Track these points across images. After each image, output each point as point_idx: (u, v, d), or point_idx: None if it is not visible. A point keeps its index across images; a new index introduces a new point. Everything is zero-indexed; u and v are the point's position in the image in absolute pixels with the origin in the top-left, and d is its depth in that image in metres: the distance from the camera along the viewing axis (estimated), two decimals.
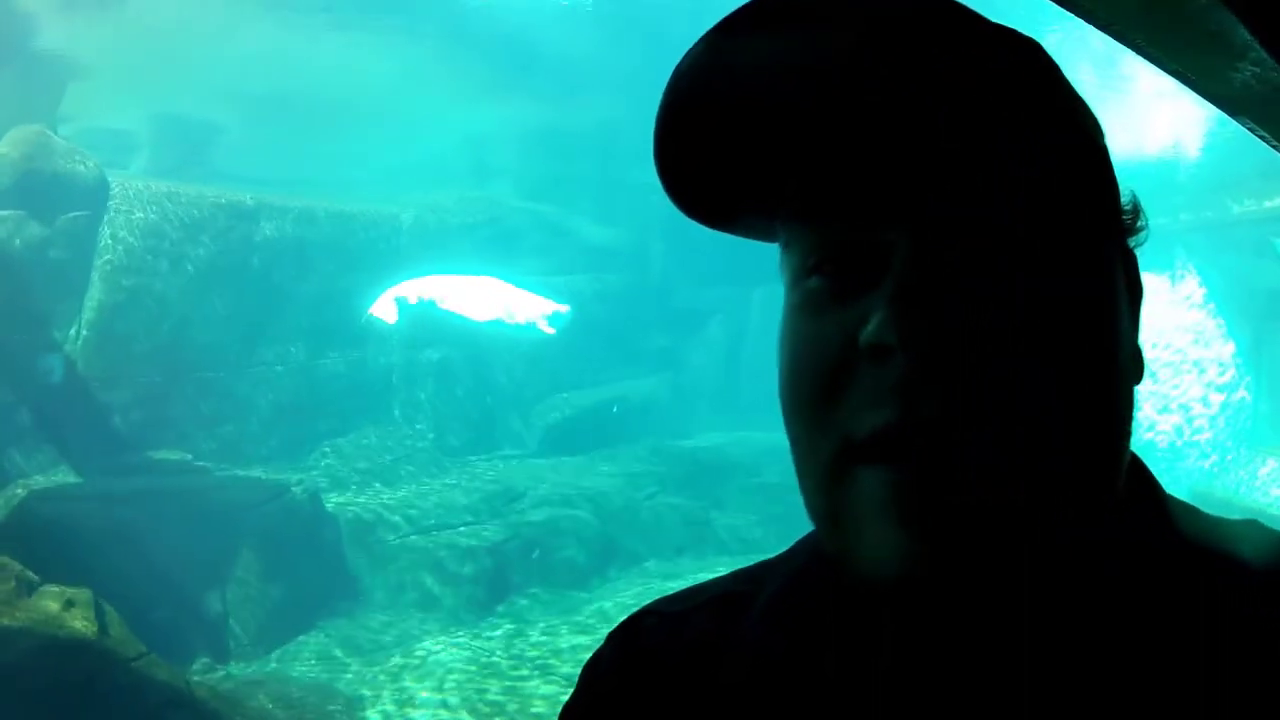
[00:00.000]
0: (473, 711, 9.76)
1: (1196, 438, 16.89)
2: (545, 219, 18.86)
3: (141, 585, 9.99)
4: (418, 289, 15.91)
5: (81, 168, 13.55)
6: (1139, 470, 0.87)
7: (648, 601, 1.05)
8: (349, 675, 10.60)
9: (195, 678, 9.48)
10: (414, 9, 15.97)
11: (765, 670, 0.89)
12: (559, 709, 1.02)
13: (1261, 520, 0.90)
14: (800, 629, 0.89)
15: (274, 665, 10.88)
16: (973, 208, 0.74)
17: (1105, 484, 0.77)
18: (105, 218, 13.66)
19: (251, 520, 11.74)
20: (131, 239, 13.76)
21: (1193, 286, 16.93)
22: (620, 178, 17.21)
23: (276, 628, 11.37)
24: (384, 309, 15.75)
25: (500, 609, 12.56)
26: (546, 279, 17.19)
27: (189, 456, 13.41)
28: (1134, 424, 0.81)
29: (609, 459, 16.51)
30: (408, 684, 10.39)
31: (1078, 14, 1.61)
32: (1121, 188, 0.85)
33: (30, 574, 8.40)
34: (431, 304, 15.91)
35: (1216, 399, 16.94)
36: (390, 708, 9.86)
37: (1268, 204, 14.95)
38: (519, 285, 16.51)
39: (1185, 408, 16.94)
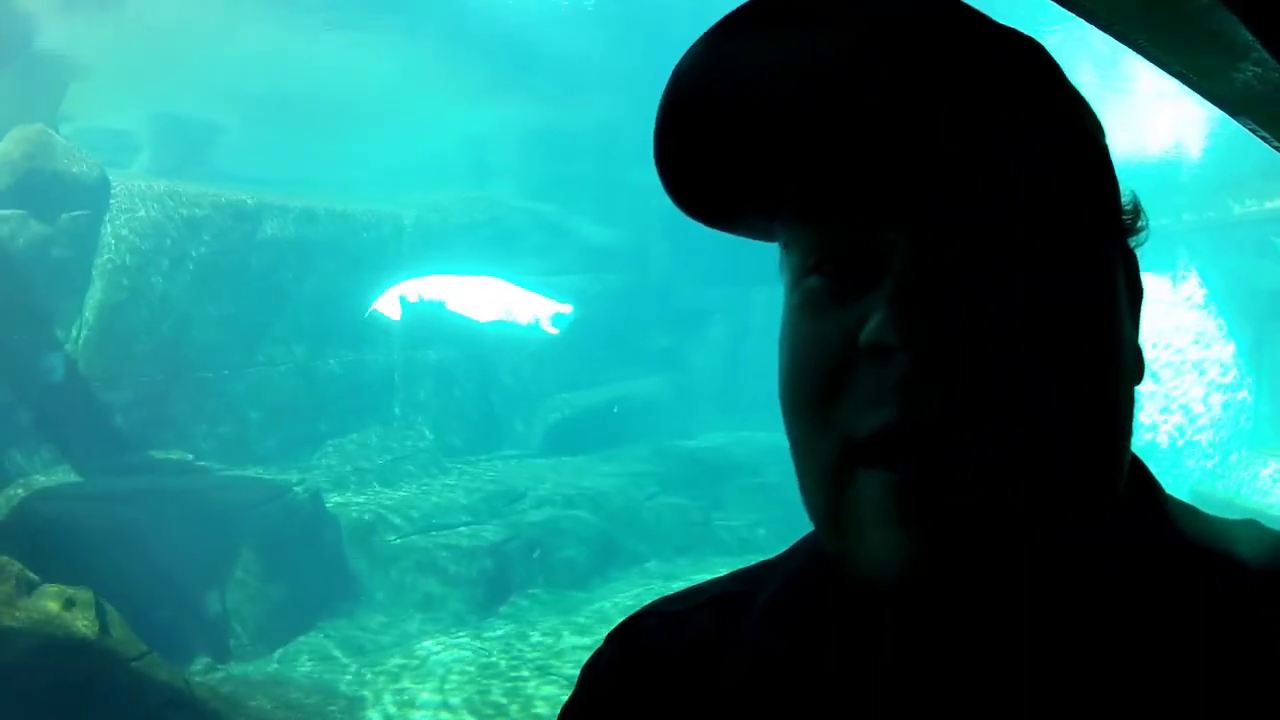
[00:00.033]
0: (474, 712, 9.76)
1: (1197, 438, 16.89)
2: (546, 219, 18.85)
3: (142, 585, 10.00)
4: (420, 289, 15.91)
5: (83, 167, 13.55)
6: (1139, 470, 0.87)
7: (648, 602, 1.04)
8: (349, 676, 10.60)
9: (196, 678, 9.48)
10: (414, 9, 15.97)
11: (765, 670, 0.89)
12: (560, 709, 1.02)
13: (1261, 520, 0.90)
14: (800, 629, 0.89)
15: (274, 665, 10.88)
16: (973, 208, 0.74)
17: (1105, 484, 0.77)
18: (106, 217, 13.67)
19: (252, 520, 11.74)
20: (132, 238, 13.77)
21: (1194, 287, 16.92)
22: (621, 178, 17.20)
23: (277, 628, 11.37)
24: (387, 305, 15.75)
25: (501, 609, 12.56)
26: (547, 279, 17.20)
27: (190, 456, 13.42)
28: (1135, 424, 0.81)
29: (610, 459, 16.51)
30: (408, 684, 10.39)
31: (1079, 14, 1.61)
32: (1122, 188, 0.85)
33: (31, 573, 8.40)
34: (433, 304, 15.92)
35: (1218, 400, 16.93)
36: (391, 708, 9.85)
37: (1269, 204, 14.95)
38: (520, 285, 16.52)
39: (1186, 408, 16.94)
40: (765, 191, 0.81)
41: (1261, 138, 1.93)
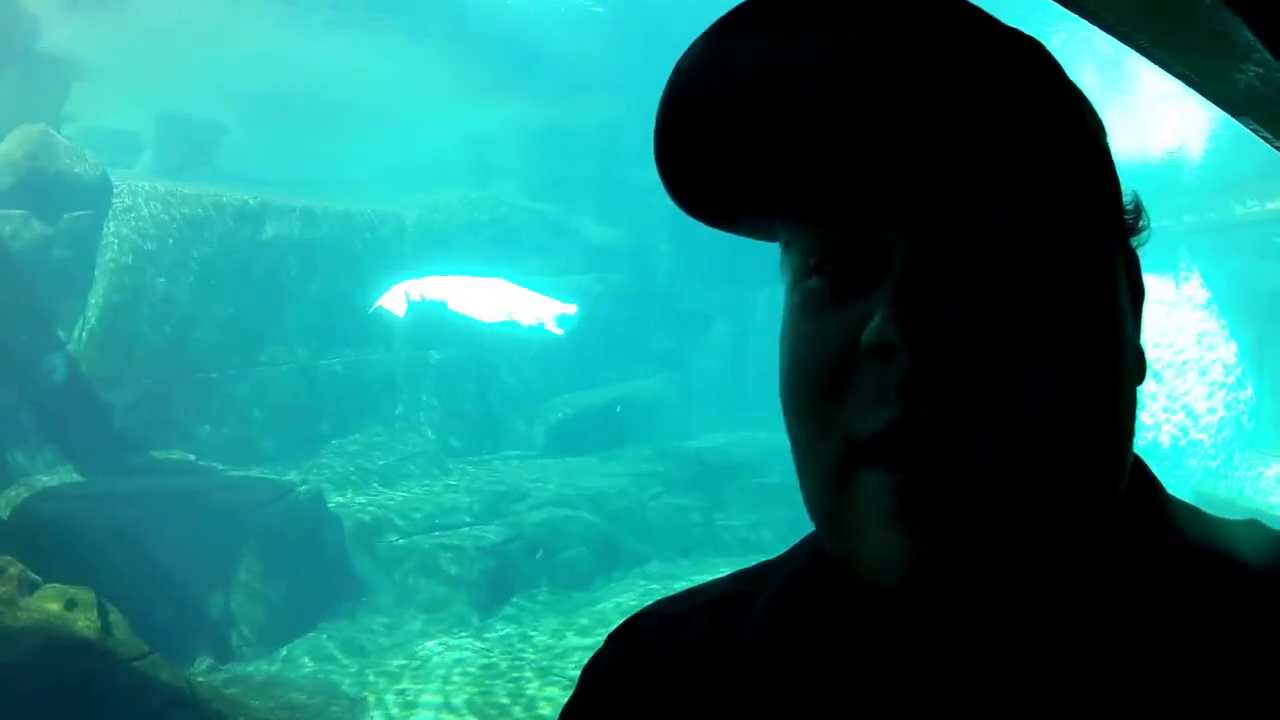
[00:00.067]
0: (476, 713, 9.76)
1: (1199, 438, 16.88)
2: (549, 219, 18.85)
3: (144, 585, 10.00)
4: (423, 289, 15.91)
5: (85, 167, 13.57)
6: (1140, 471, 0.87)
7: (650, 603, 1.04)
8: (351, 676, 10.61)
9: (198, 678, 9.49)
10: (416, 9, 16.00)
11: (765, 671, 0.89)
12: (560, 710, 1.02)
13: (1263, 521, 0.90)
14: (801, 630, 0.89)
15: (276, 666, 10.88)
16: (973, 208, 0.74)
17: (1106, 485, 0.77)
18: (108, 217, 13.68)
19: (254, 521, 11.75)
20: (135, 239, 13.78)
21: (1196, 288, 16.92)
22: (624, 178, 17.21)
23: (279, 628, 11.37)
24: (391, 301, 15.76)
25: (503, 610, 12.56)
26: (550, 279, 17.20)
27: (192, 456, 13.42)
28: (1137, 425, 0.81)
29: (613, 459, 16.50)
30: (410, 685, 10.39)
31: (1083, 15, 1.61)
32: (1124, 188, 0.85)
33: (32, 574, 8.41)
34: (436, 304, 15.92)
35: (1220, 400, 16.93)
36: (393, 709, 9.85)
37: (1271, 205, 14.94)
38: (523, 286, 16.52)
39: (1189, 409, 16.93)
40: (766, 191, 0.80)
41: (1263, 138, 1.93)
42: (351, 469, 14.81)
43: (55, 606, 8.19)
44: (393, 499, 14.05)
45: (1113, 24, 1.63)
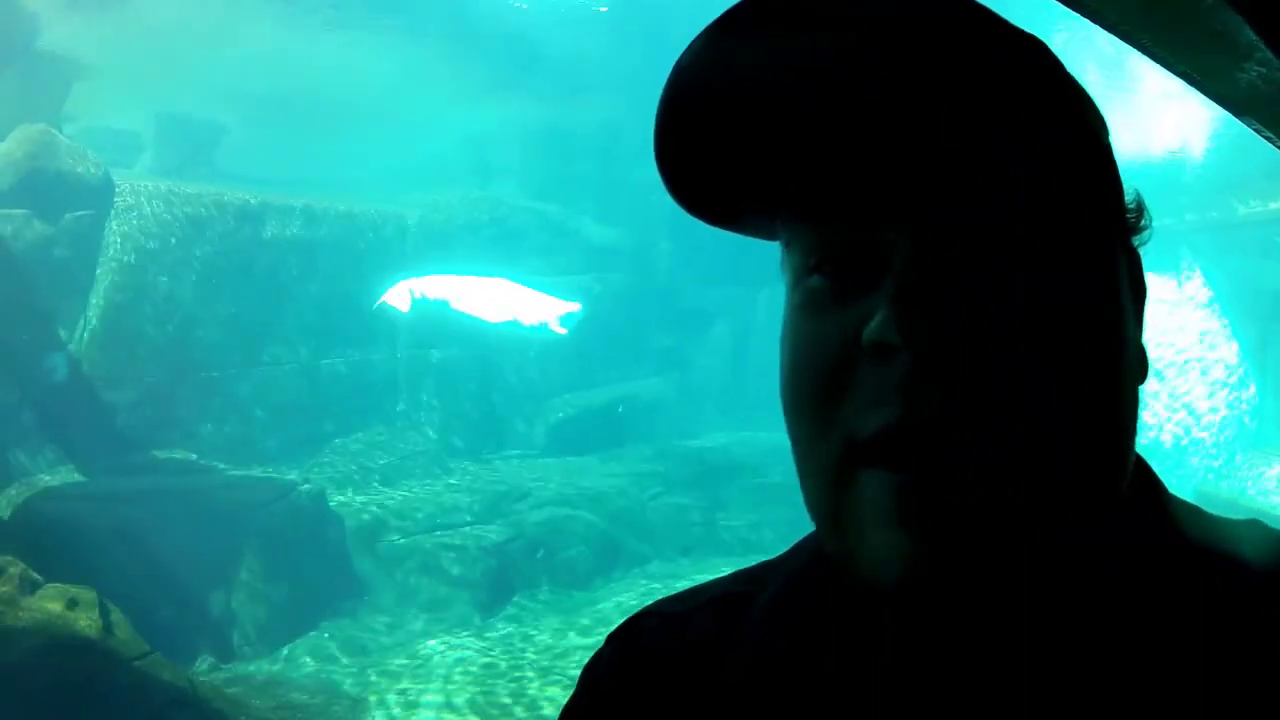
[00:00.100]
0: (478, 712, 9.76)
1: (1201, 437, 16.88)
2: (549, 219, 18.85)
3: (145, 585, 10.01)
4: (428, 287, 15.91)
5: (86, 167, 13.57)
6: (1142, 470, 0.87)
7: (650, 602, 1.04)
8: (353, 676, 10.61)
9: (199, 678, 9.49)
10: (416, 8, 16.01)
11: (765, 671, 0.89)
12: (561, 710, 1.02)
13: (1263, 520, 0.90)
14: (801, 629, 0.89)
15: (278, 666, 10.88)
16: (972, 208, 0.74)
17: (1107, 484, 0.77)
18: (110, 217, 13.68)
19: (256, 520, 11.75)
20: (136, 238, 13.78)
21: (1198, 287, 16.91)
22: (624, 177, 17.22)
23: (280, 628, 11.38)
24: (396, 297, 15.77)
25: (505, 610, 12.56)
26: (551, 279, 17.19)
27: (193, 456, 13.42)
28: (1139, 424, 0.81)
29: (614, 459, 16.50)
30: (412, 685, 10.40)
31: (1084, 14, 1.61)
32: (1126, 186, 0.85)
33: (34, 573, 8.41)
34: (438, 303, 15.91)
35: (1222, 400, 16.92)
36: (394, 709, 9.86)
37: (1273, 205, 14.94)
38: (524, 285, 16.52)
39: (1190, 408, 16.93)
40: (766, 190, 0.80)
41: (1266, 138, 1.93)
42: (353, 468, 14.81)
43: (57, 606, 8.20)
44: (394, 498, 14.05)
45: (1115, 23, 1.63)
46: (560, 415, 17.50)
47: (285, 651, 11.14)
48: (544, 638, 11.65)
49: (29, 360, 12.30)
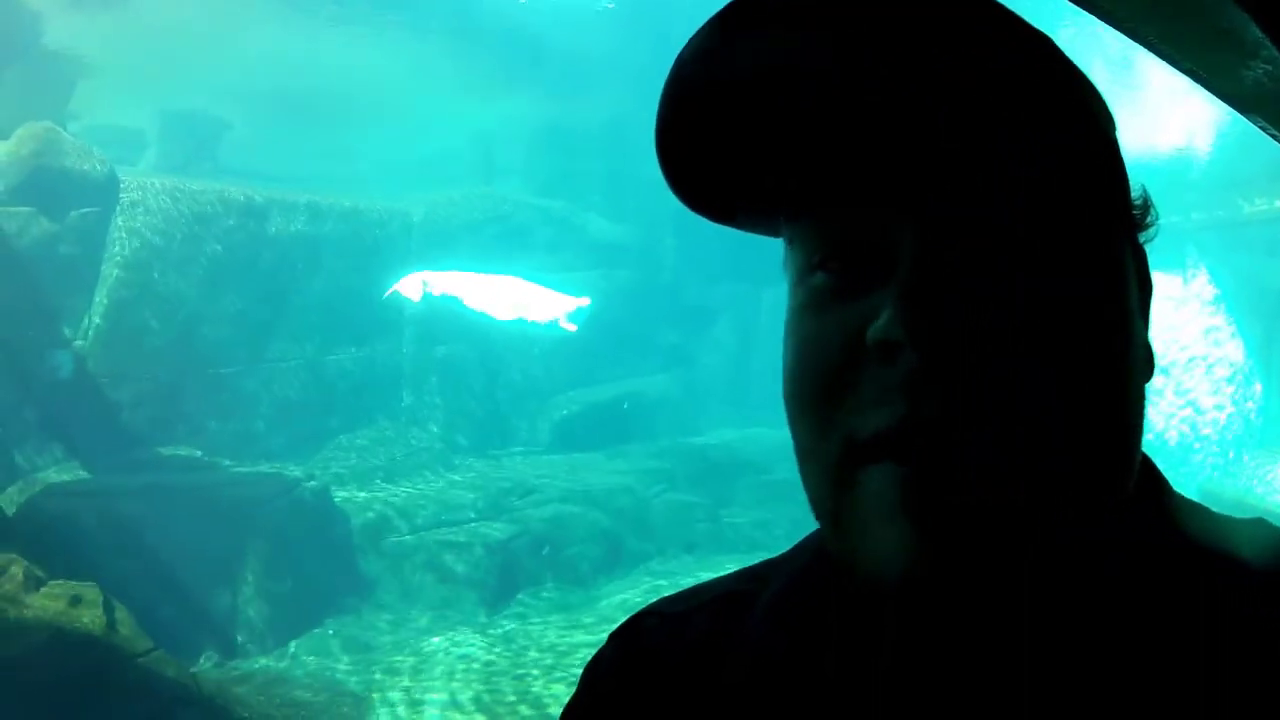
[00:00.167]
0: (482, 709, 9.76)
1: (1207, 435, 16.87)
2: (555, 215, 18.86)
3: (149, 581, 10.02)
4: (438, 282, 15.93)
5: (91, 164, 13.59)
6: (1146, 468, 0.86)
7: (653, 601, 1.04)
8: (357, 673, 10.61)
9: (203, 674, 9.50)
10: (421, 5, 16.01)
11: (767, 670, 0.88)
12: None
13: (1269, 520, 0.89)
14: (802, 628, 0.89)
15: (282, 663, 10.89)
16: (972, 208, 0.74)
17: (1111, 483, 0.77)
18: (115, 214, 13.70)
19: (260, 517, 11.75)
20: (141, 235, 13.80)
21: (1204, 285, 16.91)
22: (630, 174, 17.23)
23: (285, 624, 11.38)
24: (408, 287, 15.79)
25: (509, 607, 12.57)
26: (556, 275, 17.21)
27: (198, 452, 13.44)
28: (1145, 421, 0.80)
29: (619, 456, 16.52)
30: (417, 681, 10.40)
31: (1091, 11, 1.60)
32: (1132, 183, 0.84)
33: (38, 570, 8.42)
34: (450, 299, 15.94)
35: (1227, 398, 16.91)
36: (399, 706, 9.86)
37: (1279, 203, 14.93)
38: (531, 282, 16.55)
39: (1196, 406, 16.92)
40: (768, 187, 0.80)
41: (1272, 136, 1.92)
42: (358, 465, 14.83)
43: (60, 603, 8.21)
44: (399, 495, 14.07)
45: (1121, 19, 1.62)
46: (565, 412, 17.52)
47: (289, 648, 11.15)
48: (548, 635, 11.65)
49: (34, 358, 12.32)
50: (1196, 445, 16.85)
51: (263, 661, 10.85)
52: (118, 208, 13.75)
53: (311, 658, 10.99)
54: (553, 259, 17.88)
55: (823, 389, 0.77)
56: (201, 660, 10.38)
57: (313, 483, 12.88)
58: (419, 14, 16.20)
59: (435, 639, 11.55)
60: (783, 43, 0.76)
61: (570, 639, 11.47)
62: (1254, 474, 16.28)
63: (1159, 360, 0.87)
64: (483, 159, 20.09)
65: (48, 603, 8.17)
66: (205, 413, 14.00)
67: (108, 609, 8.39)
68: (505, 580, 12.86)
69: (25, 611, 8.03)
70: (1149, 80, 13.54)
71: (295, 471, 13.37)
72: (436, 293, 15.97)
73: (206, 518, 11.20)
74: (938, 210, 0.74)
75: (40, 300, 12.60)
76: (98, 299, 13.34)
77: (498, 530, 13.38)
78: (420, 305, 15.91)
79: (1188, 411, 16.92)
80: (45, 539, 9.36)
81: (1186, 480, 15.55)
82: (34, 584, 8.29)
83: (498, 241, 17.59)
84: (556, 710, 9.48)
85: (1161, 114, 14.47)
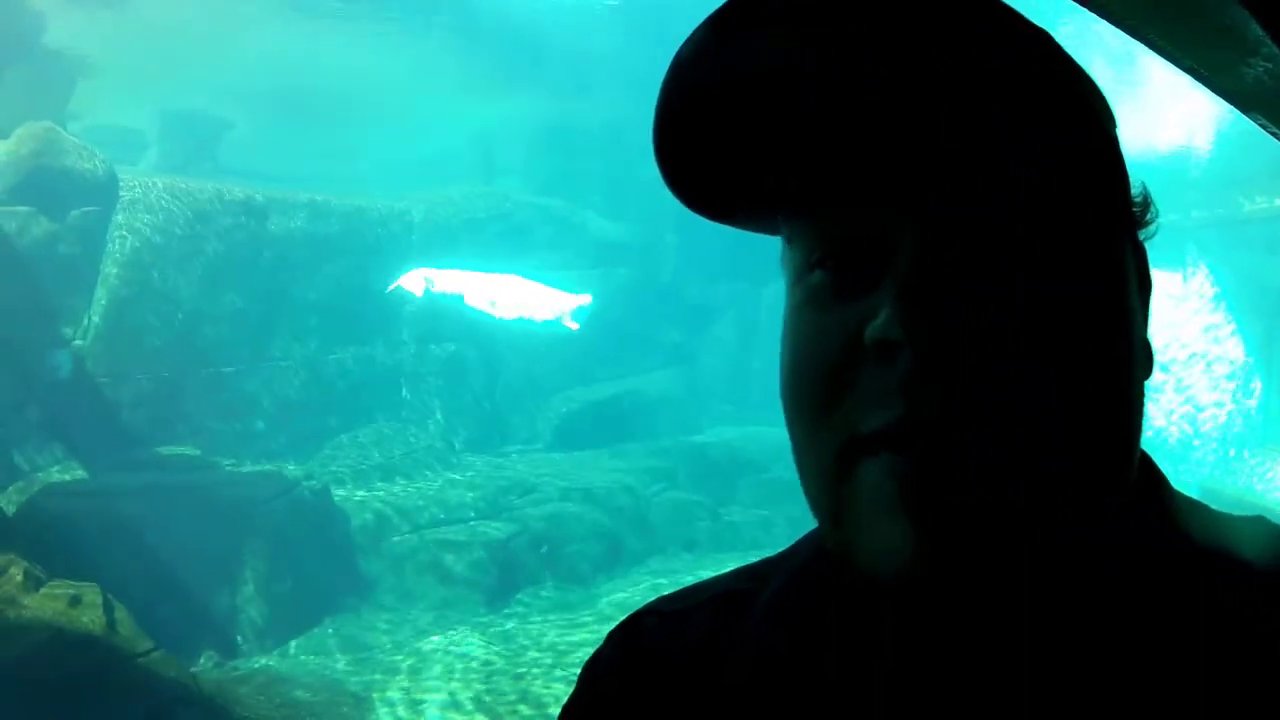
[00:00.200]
0: (482, 708, 9.77)
1: (1207, 432, 16.88)
2: (555, 214, 18.88)
3: (149, 581, 10.02)
4: (440, 280, 15.94)
5: (91, 164, 13.59)
6: (1146, 466, 0.86)
7: (651, 599, 1.04)
8: (357, 672, 10.61)
9: (203, 674, 9.50)
10: (422, 4, 16.00)
11: (766, 669, 0.88)
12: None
13: (1269, 517, 0.89)
14: (802, 627, 0.88)
15: (282, 663, 10.89)
16: (972, 208, 0.74)
17: (1111, 482, 0.77)
18: (115, 213, 13.70)
19: (260, 516, 11.75)
20: (141, 235, 13.80)
21: (1204, 283, 16.91)
22: (631, 172, 17.23)
23: (285, 624, 11.38)
24: (410, 282, 15.80)
25: (509, 605, 12.57)
26: (556, 274, 17.22)
27: (198, 452, 13.43)
28: (1144, 420, 0.80)
29: (619, 454, 16.53)
30: (417, 680, 10.40)
31: (1092, 9, 1.61)
32: (1132, 180, 0.84)
33: (38, 570, 8.43)
34: (451, 297, 15.95)
35: (1227, 395, 16.92)
36: (399, 705, 9.86)
37: (1279, 201, 14.94)
38: (532, 280, 16.56)
39: (1196, 403, 16.93)
40: (767, 186, 0.80)
41: (1272, 134, 1.92)
42: (358, 464, 14.83)
43: (60, 603, 8.21)
44: (399, 494, 14.08)
45: (1121, 17, 1.62)
46: (565, 410, 17.53)
47: (289, 647, 11.15)
48: (548, 634, 11.65)
49: (34, 357, 12.32)
50: (1196, 443, 16.86)
51: (263, 661, 10.86)
52: (117, 207, 13.75)
53: (311, 657, 10.99)
54: (553, 258, 17.90)
55: (821, 388, 0.77)
56: (201, 660, 10.38)
57: (312, 482, 12.89)
58: (420, 13, 16.20)
59: (435, 638, 11.55)
60: (782, 42, 0.75)
61: (570, 638, 11.47)
62: (1254, 471, 16.29)
63: (1158, 357, 0.87)
64: (483, 158, 20.10)
65: (47, 603, 8.18)
66: (205, 412, 14.00)
67: (108, 609, 8.39)
68: (505, 579, 12.86)
69: (25, 612, 8.03)
70: (1149, 77, 13.54)
71: (295, 471, 13.37)
72: (437, 290, 15.98)
73: (206, 518, 11.19)
74: (937, 210, 0.73)
75: (40, 300, 12.60)
76: (97, 298, 13.34)
77: (497, 529, 13.38)
78: (421, 303, 15.92)
79: (1188, 409, 16.93)
80: (45, 539, 9.37)
81: (1186, 478, 15.56)
82: (34, 584, 8.30)
83: (498, 240, 17.61)
84: (556, 710, 9.44)
85: (1162, 111, 14.47)
